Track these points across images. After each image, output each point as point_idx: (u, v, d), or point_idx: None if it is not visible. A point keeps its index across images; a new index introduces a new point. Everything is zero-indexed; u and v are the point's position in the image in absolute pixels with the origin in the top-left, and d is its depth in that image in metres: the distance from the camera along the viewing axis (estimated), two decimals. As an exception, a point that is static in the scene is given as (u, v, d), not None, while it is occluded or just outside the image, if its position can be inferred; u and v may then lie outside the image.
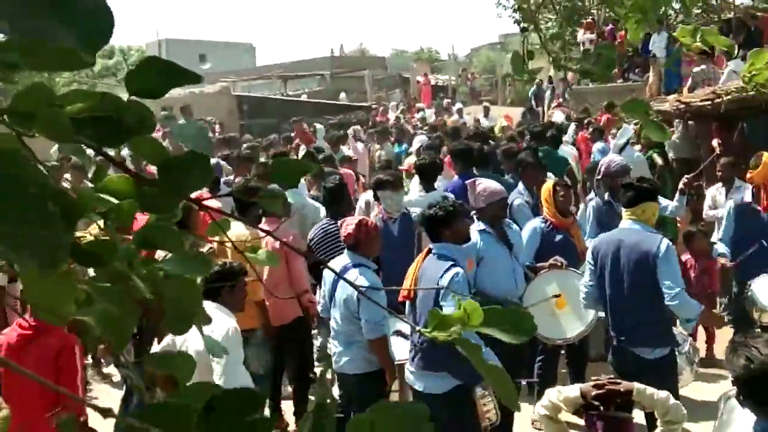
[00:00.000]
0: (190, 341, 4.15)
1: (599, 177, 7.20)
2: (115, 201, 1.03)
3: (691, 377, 5.60)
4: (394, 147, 14.00)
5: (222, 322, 4.26)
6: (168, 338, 4.49)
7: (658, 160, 9.98)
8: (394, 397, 5.73)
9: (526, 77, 1.96)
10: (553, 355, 6.38)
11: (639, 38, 1.47)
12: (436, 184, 7.59)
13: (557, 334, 5.77)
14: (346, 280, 1.39)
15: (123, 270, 0.96)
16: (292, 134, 14.32)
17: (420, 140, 12.34)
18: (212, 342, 1.55)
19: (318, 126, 15.91)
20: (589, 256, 5.38)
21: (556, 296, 5.66)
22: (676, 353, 5.23)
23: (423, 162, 7.73)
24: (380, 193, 6.68)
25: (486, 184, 5.89)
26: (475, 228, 5.72)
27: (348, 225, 5.26)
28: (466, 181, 6.23)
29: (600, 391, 3.22)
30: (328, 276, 5.37)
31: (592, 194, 7.73)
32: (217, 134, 14.35)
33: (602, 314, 5.58)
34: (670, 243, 5.05)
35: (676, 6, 13.59)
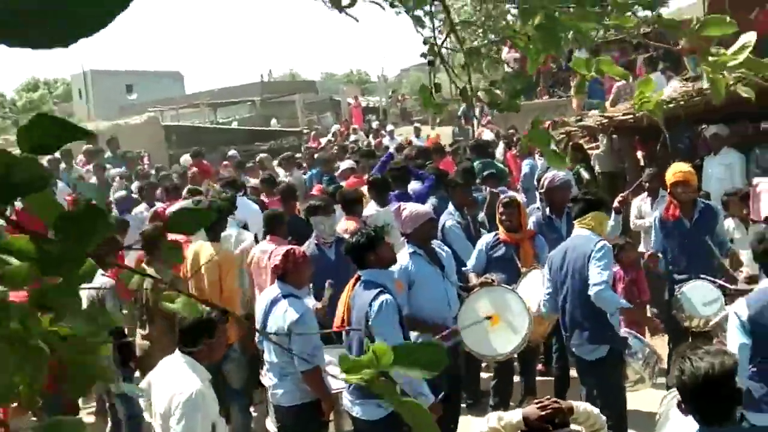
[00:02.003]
0: (157, 402, 4.01)
1: (542, 191, 7.34)
2: (17, 262, 1.01)
3: (650, 382, 5.70)
4: (306, 172, 13.94)
5: (187, 383, 3.93)
6: (144, 382, 4.34)
7: (585, 175, 10.19)
8: (331, 427, 5.70)
9: (436, 109, 1.99)
10: (507, 370, 6.45)
11: (534, 70, 1.51)
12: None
13: (491, 351, 5.82)
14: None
15: (19, 331, 0.94)
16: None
17: (348, 164, 12.36)
18: (131, 388, 1.52)
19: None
20: (546, 266, 5.74)
21: (488, 318, 5.73)
22: (626, 356, 5.38)
23: (375, 178, 7.84)
24: (313, 219, 6.68)
25: (411, 208, 5.94)
26: (406, 251, 5.76)
27: (275, 255, 5.21)
28: (392, 208, 6.30)
29: (543, 413, 3.23)
30: (259, 307, 5.31)
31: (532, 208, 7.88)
32: (145, 166, 14.10)
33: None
34: (607, 244, 5.36)
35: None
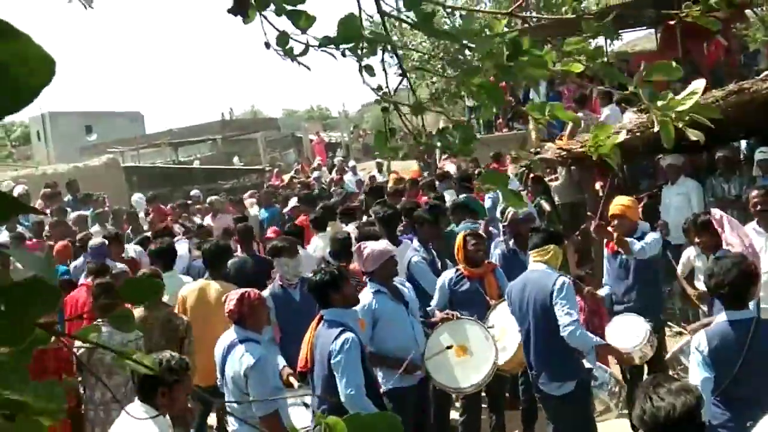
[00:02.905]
0: None
1: (505, 224, 7.41)
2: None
3: (616, 411, 5.74)
4: (261, 211, 14.03)
5: None
6: None
7: (546, 206, 10.31)
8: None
9: (391, 154, 2.01)
10: (475, 405, 6.45)
11: (492, 116, 1.54)
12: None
13: (458, 383, 5.82)
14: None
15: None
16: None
17: (293, 202, 12.46)
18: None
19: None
20: (506, 301, 5.77)
21: (449, 347, 5.76)
22: (593, 387, 5.41)
23: (387, 212, 7.89)
24: (276, 261, 6.66)
25: (372, 246, 5.94)
26: (369, 290, 5.75)
27: (230, 300, 5.15)
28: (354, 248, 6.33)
29: None
30: (216, 352, 5.24)
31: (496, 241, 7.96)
32: (107, 207, 13.94)
33: (501, 361, 5.79)
34: (567, 280, 5.36)
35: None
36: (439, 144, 1.86)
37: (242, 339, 5.03)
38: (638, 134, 8.99)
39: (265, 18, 2.09)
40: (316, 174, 20.65)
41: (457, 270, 6.58)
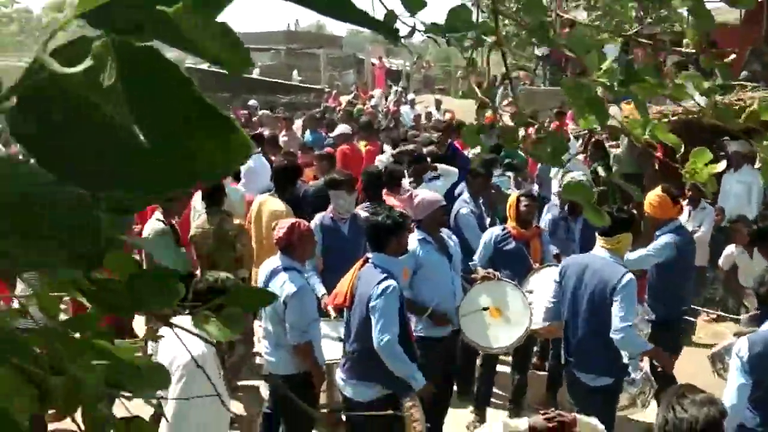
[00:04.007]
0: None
1: (559, 190, 7.27)
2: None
3: (641, 408, 5.72)
4: (306, 133, 13.88)
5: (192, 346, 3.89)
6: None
7: (602, 173, 10.15)
8: (323, 398, 5.81)
9: (481, 147, 2.00)
10: (492, 362, 6.51)
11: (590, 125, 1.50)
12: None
13: (489, 342, 5.87)
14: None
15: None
16: None
17: (342, 128, 12.33)
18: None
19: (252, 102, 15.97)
20: (556, 274, 5.56)
21: (485, 309, 5.78)
22: (624, 383, 5.38)
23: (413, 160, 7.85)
24: (332, 193, 6.65)
25: (423, 195, 5.93)
26: (415, 237, 5.77)
27: (280, 228, 5.22)
28: (404, 196, 6.32)
29: (550, 425, 3.24)
30: (259, 277, 5.34)
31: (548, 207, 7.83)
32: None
33: (537, 326, 5.79)
34: (633, 278, 5.09)
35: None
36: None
37: (286, 267, 5.11)
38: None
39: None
40: (373, 101, 20.47)
41: (504, 228, 6.53)
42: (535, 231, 6.59)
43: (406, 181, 7.92)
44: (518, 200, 6.51)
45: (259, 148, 9.66)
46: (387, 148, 11.49)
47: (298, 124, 14.90)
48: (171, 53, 0.69)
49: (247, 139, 0.59)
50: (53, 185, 0.57)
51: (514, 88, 18.00)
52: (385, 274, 4.81)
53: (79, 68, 0.51)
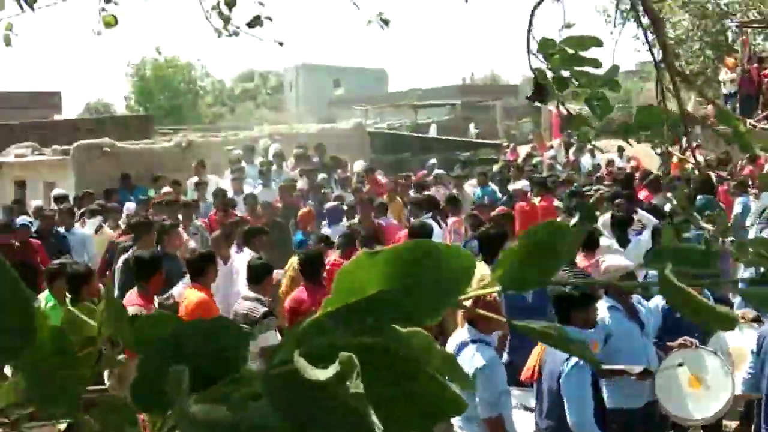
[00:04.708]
0: None
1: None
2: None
3: None
4: (476, 189, 13.64)
5: None
6: None
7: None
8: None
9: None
10: None
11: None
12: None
13: (688, 413, 5.60)
14: None
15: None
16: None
17: (521, 184, 12.13)
18: None
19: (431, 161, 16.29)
20: (754, 342, 5.34)
21: (680, 365, 5.51)
22: None
23: (615, 213, 7.65)
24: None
25: (611, 260, 5.78)
26: (603, 304, 5.62)
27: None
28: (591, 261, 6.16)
29: None
30: (448, 349, 5.39)
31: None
32: (348, 173, 14.62)
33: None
34: None
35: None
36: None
37: (473, 339, 5.12)
38: None
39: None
40: (552, 152, 20.15)
41: None
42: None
43: (606, 240, 7.63)
44: None
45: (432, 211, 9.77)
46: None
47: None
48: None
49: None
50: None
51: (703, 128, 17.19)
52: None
53: (328, 374, 0.60)
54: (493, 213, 9.87)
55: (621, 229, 7.71)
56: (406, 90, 47.18)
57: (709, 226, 8.21)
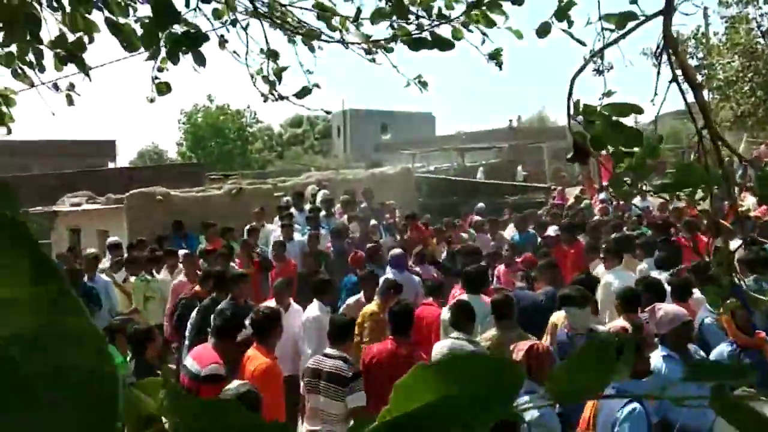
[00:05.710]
0: None
1: None
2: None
3: None
4: (514, 235, 13.49)
5: None
6: None
7: None
8: None
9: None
10: None
11: None
12: None
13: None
14: None
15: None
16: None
17: (552, 230, 11.98)
18: None
19: (479, 205, 16.25)
20: None
21: None
22: None
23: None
24: (566, 309, 6.56)
25: (667, 309, 5.68)
26: (659, 353, 5.52)
27: (519, 351, 5.21)
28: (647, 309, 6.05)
29: None
30: None
31: None
32: (397, 217, 14.68)
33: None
34: None
35: None
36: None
37: (527, 390, 5.07)
38: None
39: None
40: (602, 195, 19.83)
41: (732, 342, 6.02)
42: (760, 337, 6.02)
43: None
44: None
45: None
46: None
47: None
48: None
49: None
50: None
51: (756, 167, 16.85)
52: (629, 398, 4.65)
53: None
54: (518, 260, 10.05)
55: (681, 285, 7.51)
56: (453, 133, 47.33)
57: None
